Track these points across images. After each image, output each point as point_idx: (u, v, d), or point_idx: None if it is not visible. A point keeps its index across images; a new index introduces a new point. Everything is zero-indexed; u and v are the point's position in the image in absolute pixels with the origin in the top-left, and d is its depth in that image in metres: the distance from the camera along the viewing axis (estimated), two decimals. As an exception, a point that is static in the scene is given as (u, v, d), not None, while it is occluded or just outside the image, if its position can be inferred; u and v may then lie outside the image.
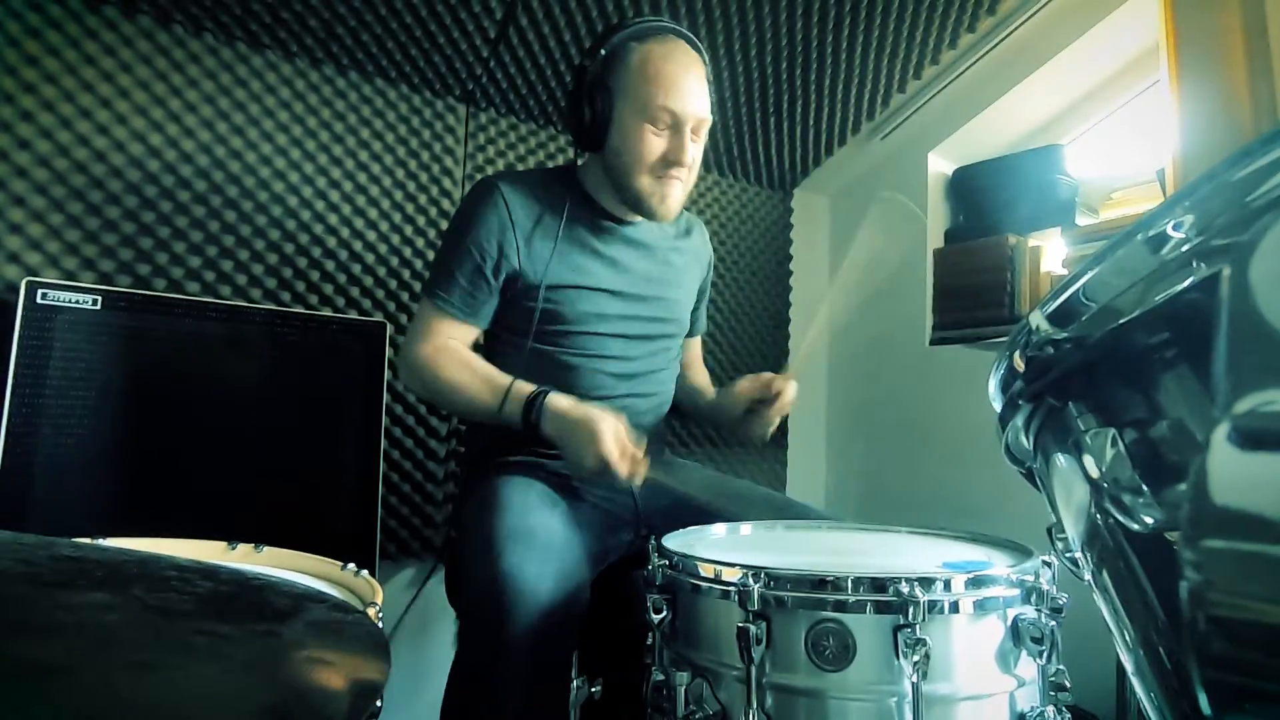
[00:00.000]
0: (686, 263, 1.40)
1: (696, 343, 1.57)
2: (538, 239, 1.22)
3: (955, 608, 0.73)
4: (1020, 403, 0.54)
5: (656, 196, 1.22)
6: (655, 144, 1.18)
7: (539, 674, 0.93)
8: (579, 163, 1.33)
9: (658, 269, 1.33)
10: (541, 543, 1.00)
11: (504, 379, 1.18)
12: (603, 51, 1.19)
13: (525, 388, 1.15)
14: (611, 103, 1.19)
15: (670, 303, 1.35)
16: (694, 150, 1.22)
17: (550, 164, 1.95)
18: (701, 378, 1.57)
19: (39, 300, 1.27)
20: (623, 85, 1.18)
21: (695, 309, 1.49)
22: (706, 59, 1.24)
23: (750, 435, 1.34)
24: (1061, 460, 0.51)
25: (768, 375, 1.32)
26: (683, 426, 2.08)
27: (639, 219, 1.32)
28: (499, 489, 1.13)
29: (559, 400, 1.13)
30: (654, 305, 1.32)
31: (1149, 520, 0.39)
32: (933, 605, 0.71)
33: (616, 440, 1.08)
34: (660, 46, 1.19)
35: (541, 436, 1.13)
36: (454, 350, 1.22)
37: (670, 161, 1.19)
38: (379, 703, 0.44)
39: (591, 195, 1.29)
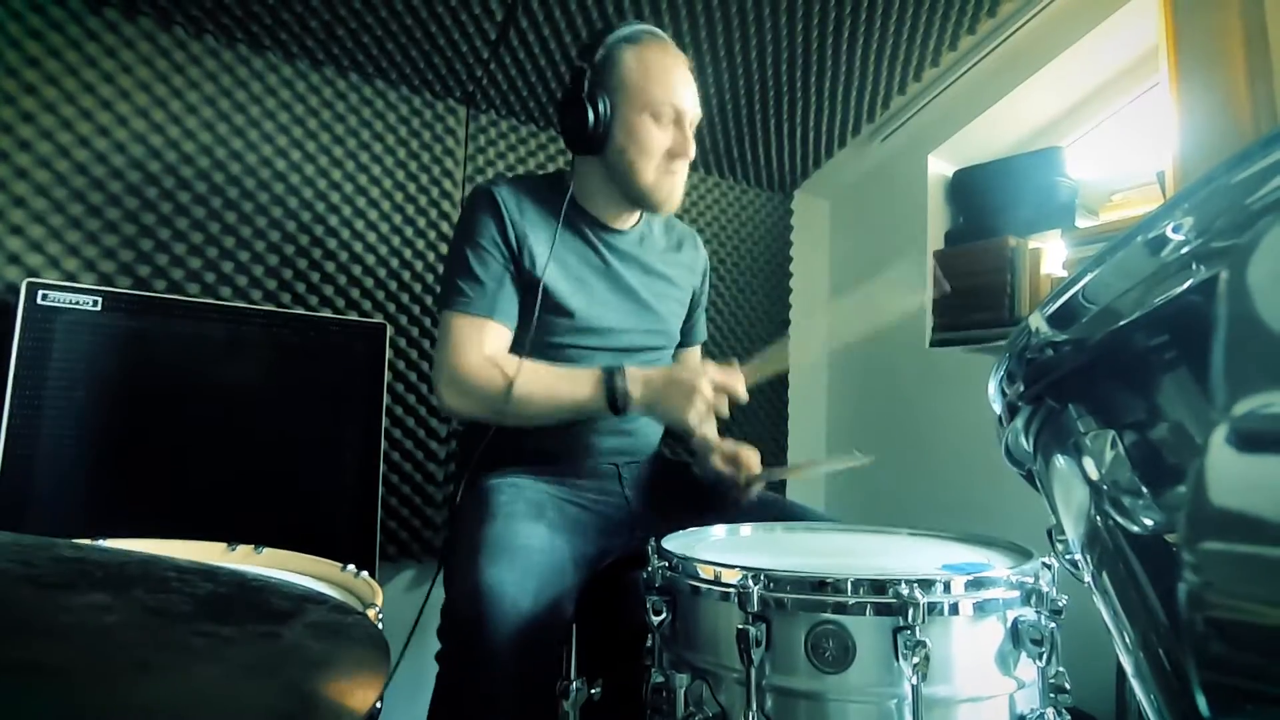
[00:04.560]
0: (678, 275, 1.40)
1: (695, 353, 1.55)
2: (533, 242, 1.23)
3: (955, 609, 0.73)
4: (1020, 405, 0.54)
5: (664, 189, 1.25)
6: (660, 137, 1.22)
7: (522, 690, 0.93)
8: (569, 170, 1.33)
9: (648, 281, 1.33)
10: (523, 556, 1.00)
11: (578, 370, 1.17)
12: (598, 55, 1.22)
13: (597, 373, 1.16)
14: (613, 102, 1.21)
15: (660, 315, 1.35)
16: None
17: (550, 166, 1.95)
18: None
19: (40, 301, 1.27)
20: (623, 84, 1.21)
21: (692, 319, 1.48)
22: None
23: (731, 495, 1.30)
24: (1061, 462, 0.51)
25: (744, 458, 1.29)
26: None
27: (630, 229, 1.33)
28: (486, 498, 1.12)
29: (635, 371, 1.15)
30: (644, 318, 1.32)
31: (1148, 522, 0.39)
32: (932, 607, 0.71)
33: (712, 384, 1.10)
34: (654, 47, 1.24)
35: (627, 411, 1.14)
36: (506, 357, 1.20)
37: (675, 154, 1.23)
38: (379, 704, 0.44)
39: (583, 203, 1.29)
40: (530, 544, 1.03)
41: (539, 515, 1.11)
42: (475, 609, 0.93)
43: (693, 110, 1.25)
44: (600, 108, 1.20)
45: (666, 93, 1.21)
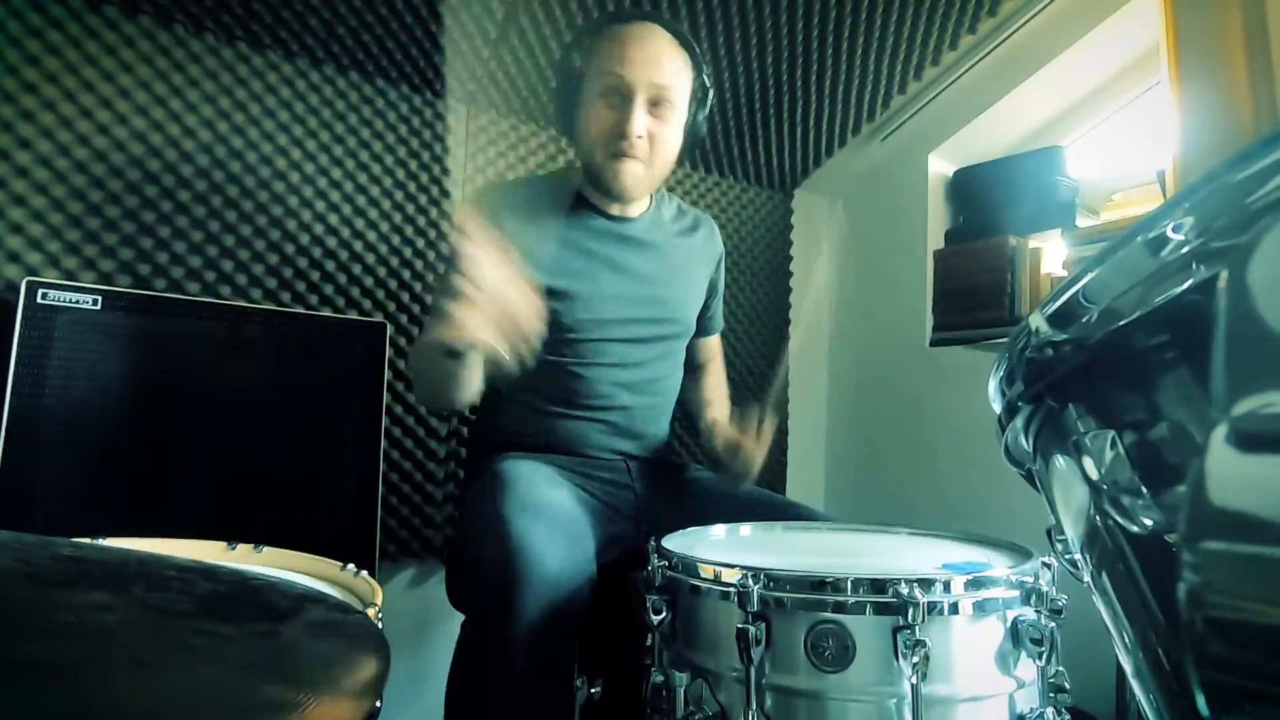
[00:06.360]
0: (690, 260, 1.38)
1: (714, 341, 1.54)
2: (534, 242, 1.22)
3: (955, 609, 0.73)
4: (1020, 404, 0.54)
5: (610, 173, 1.19)
6: (605, 117, 1.17)
7: (547, 647, 0.92)
8: (573, 164, 1.33)
9: (659, 267, 1.32)
10: (549, 515, 0.99)
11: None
12: (585, 41, 1.21)
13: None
14: (578, 87, 1.20)
15: (673, 303, 1.34)
16: (650, 124, 1.17)
17: (550, 165, 1.95)
18: (715, 383, 1.54)
19: (39, 300, 1.27)
20: (589, 67, 1.19)
21: (708, 307, 1.47)
22: (684, 41, 1.22)
23: (732, 473, 1.29)
24: (1061, 462, 0.51)
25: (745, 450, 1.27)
26: (684, 429, 2.08)
27: (637, 215, 1.32)
28: (505, 468, 1.12)
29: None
30: (656, 306, 1.31)
31: (1148, 522, 0.39)
32: (932, 606, 0.71)
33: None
34: (626, 28, 1.18)
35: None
36: None
37: (618, 134, 1.16)
38: (378, 703, 0.44)
39: (585, 194, 1.29)
40: (556, 503, 1.03)
41: (558, 486, 1.11)
42: (506, 562, 0.91)
43: (650, 81, 1.15)
44: (567, 95, 1.20)
45: (612, 64, 1.15)
